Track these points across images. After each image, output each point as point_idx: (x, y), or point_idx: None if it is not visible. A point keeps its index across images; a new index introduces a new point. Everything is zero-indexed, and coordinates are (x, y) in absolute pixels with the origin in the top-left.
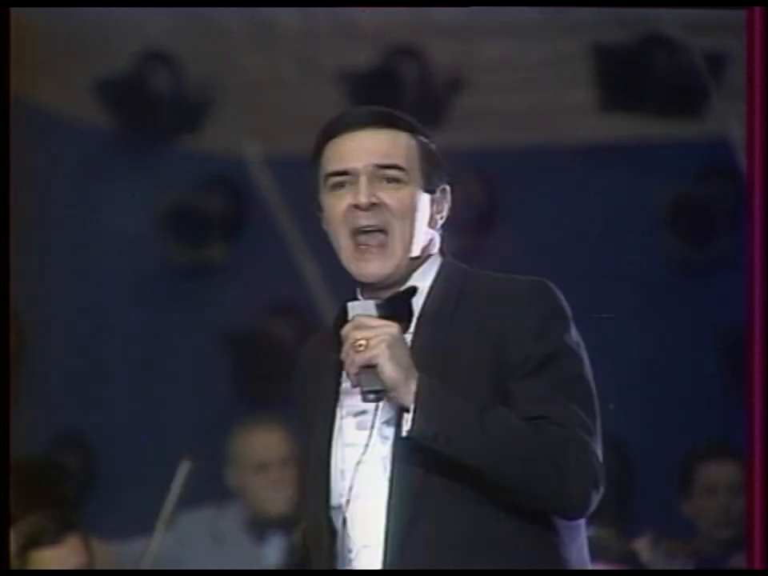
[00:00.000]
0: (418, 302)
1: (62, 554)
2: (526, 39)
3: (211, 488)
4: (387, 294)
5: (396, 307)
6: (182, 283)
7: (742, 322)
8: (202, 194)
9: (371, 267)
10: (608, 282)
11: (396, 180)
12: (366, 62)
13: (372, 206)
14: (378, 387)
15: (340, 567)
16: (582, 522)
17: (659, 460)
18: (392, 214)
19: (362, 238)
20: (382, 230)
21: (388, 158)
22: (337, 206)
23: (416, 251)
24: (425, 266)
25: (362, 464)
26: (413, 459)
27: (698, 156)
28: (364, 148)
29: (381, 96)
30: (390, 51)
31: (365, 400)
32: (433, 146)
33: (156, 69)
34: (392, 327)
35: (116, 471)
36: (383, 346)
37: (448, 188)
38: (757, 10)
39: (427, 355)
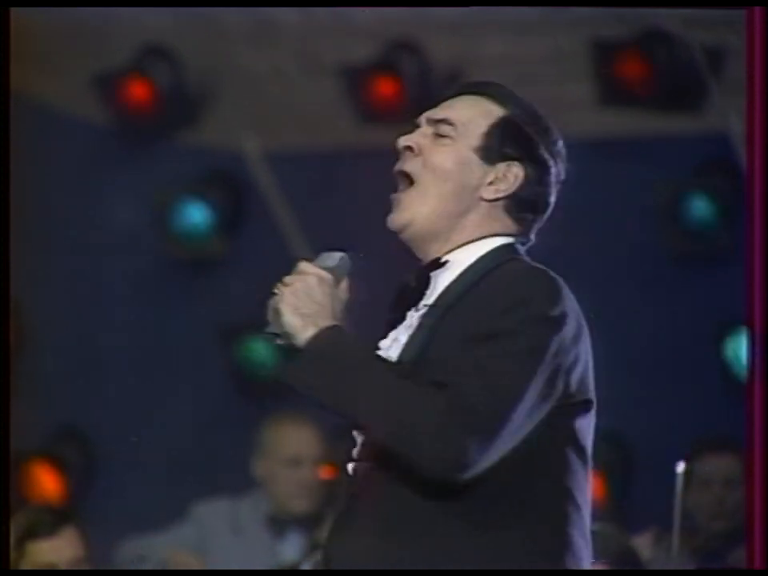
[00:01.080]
0: (448, 276)
1: (59, 545)
2: (525, 34)
3: (233, 481)
4: (431, 257)
5: (417, 277)
6: (181, 278)
7: (742, 317)
8: (201, 189)
9: (392, 215)
10: (608, 276)
11: (444, 136)
12: (365, 58)
13: (407, 150)
14: (275, 330)
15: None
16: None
17: (659, 453)
18: (423, 163)
19: (396, 197)
20: (409, 178)
21: (441, 112)
22: None
23: (449, 213)
24: (475, 244)
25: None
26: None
27: (698, 151)
28: (445, 105)
29: (380, 91)
30: (389, 47)
31: (267, 340)
32: (527, 125)
33: (155, 64)
34: (313, 276)
35: (115, 465)
36: (287, 291)
37: (516, 167)
38: (757, 9)
39: (426, 326)
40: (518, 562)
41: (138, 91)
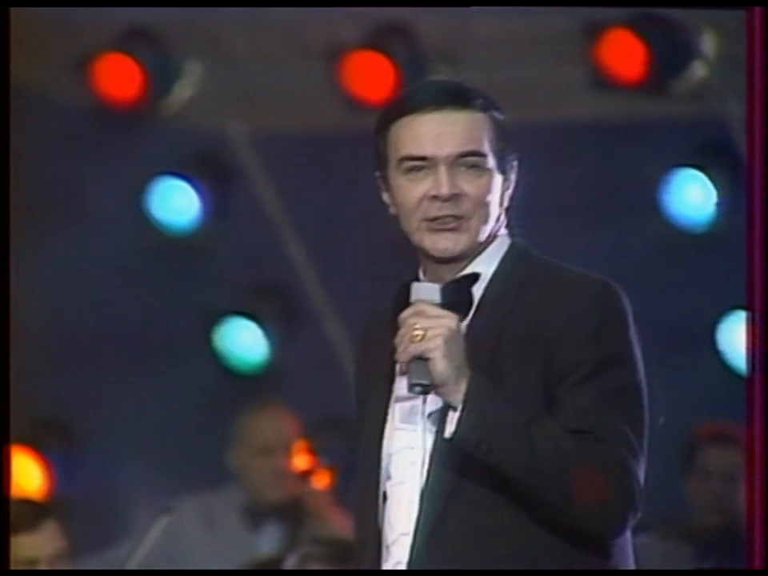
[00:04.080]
0: (479, 289)
1: (39, 539)
2: (518, 15)
3: (204, 471)
4: (450, 275)
5: (457, 294)
6: (165, 263)
7: (739, 304)
8: (186, 172)
9: (446, 242)
10: (603, 260)
11: (476, 166)
12: (353, 40)
13: (452, 197)
14: (426, 381)
15: (381, 554)
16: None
17: (661, 442)
18: (472, 202)
19: (437, 224)
20: (460, 218)
21: (468, 145)
22: (412, 190)
23: (486, 234)
24: (491, 248)
25: (407, 450)
26: (452, 455)
27: (696, 134)
28: (443, 133)
29: (369, 74)
30: (378, 28)
31: (410, 391)
32: (502, 118)
33: (140, 45)
34: (451, 320)
35: (100, 454)
36: (440, 340)
37: (515, 163)
38: (757, 9)
39: (479, 344)
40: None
41: (122, 73)
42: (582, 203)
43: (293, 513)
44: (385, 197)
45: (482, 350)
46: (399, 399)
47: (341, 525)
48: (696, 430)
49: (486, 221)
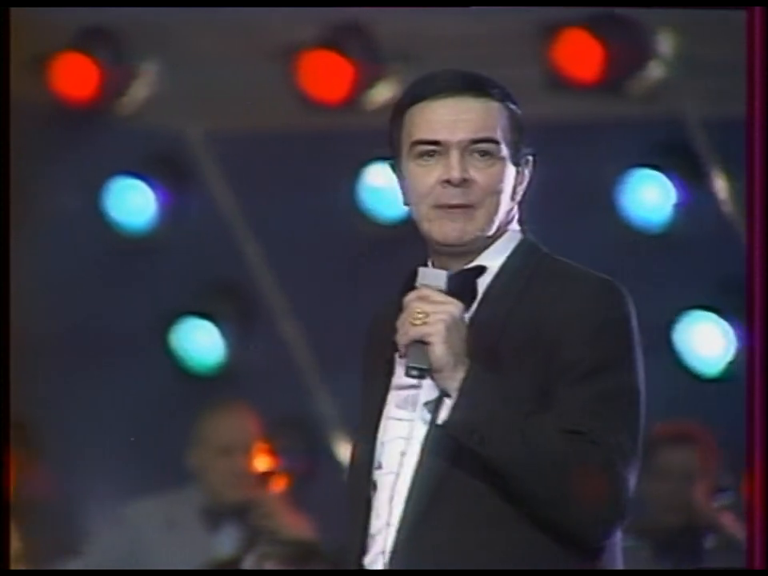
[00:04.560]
0: (485, 281)
1: None
2: (474, 16)
3: (162, 472)
4: (458, 265)
5: (462, 285)
6: (123, 262)
7: (696, 303)
8: (143, 172)
9: (454, 231)
10: None
11: (488, 153)
12: (310, 39)
13: (463, 182)
14: (423, 365)
15: (366, 543)
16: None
17: None
18: (482, 190)
19: (447, 211)
20: (469, 206)
21: (482, 132)
22: (423, 176)
23: (494, 226)
24: (500, 241)
25: (400, 440)
26: (445, 446)
27: (652, 134)
28: (458, 119)
29: (327, 72)
30: (336, 28)
31: (407, 374)
32: (519, 113)
33: (97, 45)
34: (455, 307)
35: (57, 456)
36: (441, 325)
37: (531, 159)
38: (757, 9)
39: (482, 336)
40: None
41: (78, 72)
42: (537, 204)
43: (251, 513)
44: (398, 186)
45: (483, 344)
46: (398, 387)
47: (296, 527)
48: (653, 430)
49: (495, 211)
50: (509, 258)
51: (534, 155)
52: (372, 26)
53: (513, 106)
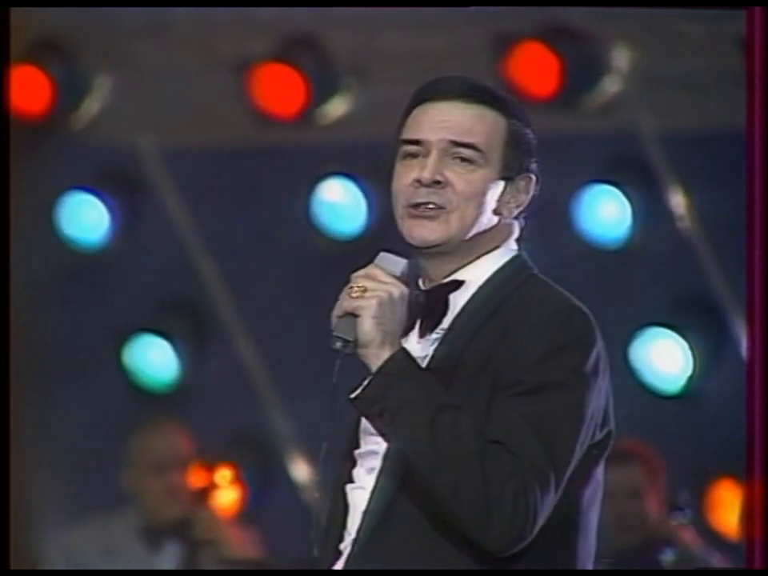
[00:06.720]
0: (463, 296)
1: None
2: (428, 29)
3: (101, 494)
4: (438, 271)
5: (432, 299)
6: (76, 277)
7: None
8: (95, 187)
9: (421, 230)
10: None
11: (469, 160)
12: (263, 52)
13: (435, 184)
14: (348, 337)
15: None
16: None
17: None
18: (456, 194)
19: (419, 211)
20: (442, 208)
21: (465, 136)
22: (402, 176)
23: (467, 234)
24: (490, 256)
25: (369, 456)
26: (399, 462)
27: (608, 148)
28: (444, 120)
29: (280, 86)
30: (287, 42)
31: (332, 344)
32: (527, 131)
33: (49, 58)
34: (396, 288)
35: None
36: (374, 300)
37: (533, 178)
38: (757, 9)
39: (448, 348)
40: None
41: (30, 85)
42: None
43: (191, 527)
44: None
45: (448, 356)
46: None
47: (240, 543)
48: None
49: (469, 219)
50: (494, 273)
51: (536, 175)
52: (325, 40)
53: (515, 121)
